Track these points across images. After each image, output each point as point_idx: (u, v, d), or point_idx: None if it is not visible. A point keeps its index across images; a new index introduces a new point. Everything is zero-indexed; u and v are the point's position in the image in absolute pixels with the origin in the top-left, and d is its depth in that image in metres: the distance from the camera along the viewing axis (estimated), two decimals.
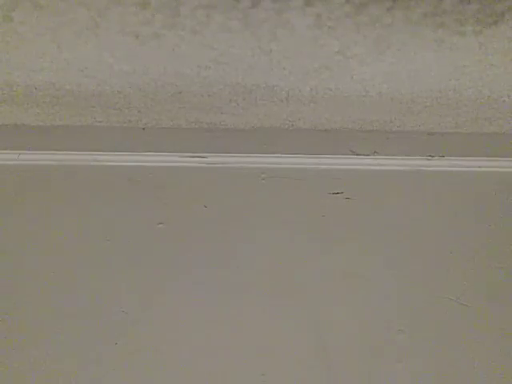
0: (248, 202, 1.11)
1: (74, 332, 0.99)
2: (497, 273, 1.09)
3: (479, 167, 1.08)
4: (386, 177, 1.10)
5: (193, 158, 1.11)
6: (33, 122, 1.01)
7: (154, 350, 1.03)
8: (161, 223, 1.09)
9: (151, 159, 1.10)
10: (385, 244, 1.08)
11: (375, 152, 1.08)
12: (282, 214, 1.11)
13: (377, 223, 1.09)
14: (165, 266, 1.05)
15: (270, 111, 0.92)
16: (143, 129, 1.09)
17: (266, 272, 1.09)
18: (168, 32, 0.47)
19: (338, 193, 1.10)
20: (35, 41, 0.50)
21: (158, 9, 0.40)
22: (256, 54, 0.57)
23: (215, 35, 0.49)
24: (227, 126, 1.06)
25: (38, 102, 0.84)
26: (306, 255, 1.10)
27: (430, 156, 1.09)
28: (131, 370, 0.98)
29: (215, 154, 1.12)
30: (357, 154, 1.08)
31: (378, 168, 1.10)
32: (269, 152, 1.10)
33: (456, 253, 1.09)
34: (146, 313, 1.03)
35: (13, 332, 1.01)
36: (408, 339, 1.08)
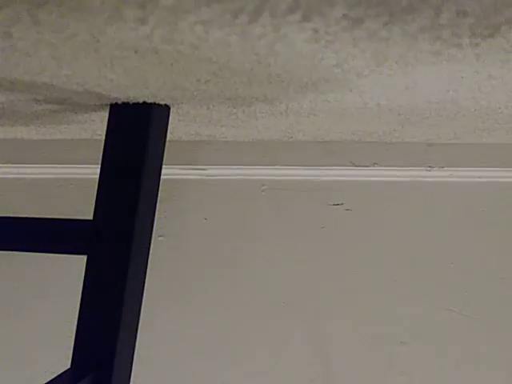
0: (248, 213, 1.11)
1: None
2: (498, 283, 1.08)
3: (479, 177, 1.09)
4: (386, 188, 1.10)
5: (193, 170, 1.12)
6: (34, 136, 1.01)
7: (154, 364, 1.02)
8: (161, 236, 1.09)
9: None
10: (385, 255, 1.08)
11: (375, 163, 1.08)
12: (282, 225, 1.11)
13: (377, 234, 1.09)
14: (165, 278, 1.05)
15: (269, 123, 0.92)
16: None
17: (266, 283, 1.09)
18: (167, 47, 0.48)
19: (338, 204, 1.10)
20: (35, 57, 0.51)
21: (157, 24, 0.40)
22: (255, 68, 0.58)
23: (214, 50, 0.49)
24: (227, 139, 1.06)
25: (38, 117, 0.84)
26: (305, 266, 1.10)
27: (429, 167, 1.09)
28: None
29: (215, 166, 1.12)
30: (356, 166, 1.09)
31: (377, 179, 1.10)
32: (269, 164, 1.10)
33: (457, 264, 1.09)
34: (146, 325, 1.03)
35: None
36: (410, 351, 1.08)
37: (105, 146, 0.76)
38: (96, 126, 0.93)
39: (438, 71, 0.57)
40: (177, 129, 0.99)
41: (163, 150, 0.80)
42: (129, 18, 0.40)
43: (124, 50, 0.50)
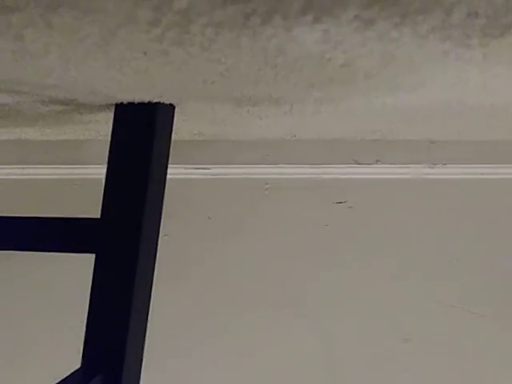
0: (252, 212, 1.11)
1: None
2: (502, 280, 1.09)
3: (481, 174, 1.09)
4: (389, 185, 1.10)
5: (196, 169, 1.12)
6: (38, 137, 1.01)
7: (160, 362, 1.03)
8: (166, 235, 1.09)
9: None
10: (389, 252, 1.08)
11: (377, 161, 1.09)
12: (286, 223, 1.11)
13: (381, 232, 1.09)
14: (169, 277, 1.05)
15: (273, 123, 0.92)
16: None
17: (269, 283, 1.10)
18: (177, 49, 0.48)
19: (341, 202, 1.11)
20: (44, 59, 0.51)
21: (169, 26, 0.41)
22: (262, 69, 0.58)
23: (223, 51, 0.49)
24: (230, 138, 1.06)
25: (43, 117, 0.84)
26: (309, 265, 1.11)
27: (432, 164, 1.09)
28: None
29: (218, 165, 1.12)
30: (359, 163, 1.09)
31: (380, 177, 1.11)
32: (272, 163, 1.10)
33: (461, 260, 1.09)
34: (150, 324, 1.03)
35: (22, 331, 1.01)
36: (414, 348, 1.08)
37: (111, 145, 0.77)
38: (100, 127, 0.93)
39: (445, 70, 0.57)
40: (180, 128, 0.99)
41: (168, 149, 0.81)
42: (142, 21, 0.40)
43: (133, 52, 0.50)
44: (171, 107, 0.80)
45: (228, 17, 0.40)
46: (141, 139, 0.75)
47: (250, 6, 0.37)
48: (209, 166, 1.10)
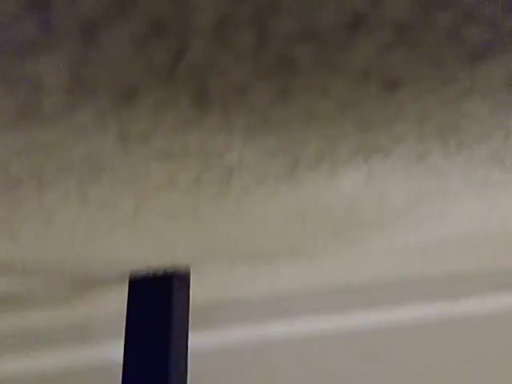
0: (271, 375, 1.03)
1: None
2: None
3: (508, 306, 1.04)
4: (410, 327, 1.04)
5: (207, 337, 1.05)
6: (41, 323, 0.95)
7: None
8: None
9: None
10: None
11: (395, 302, 1.04)
12: (303, 376, 1.03)
13: (401, 379, 1.02)
14: None
15: (289, 275, 0.88)
16: None
17: None
18: (210, 210, 0.45)
19: (358, 349, 1.04)
20: (69, 235, 0.47)
21: (209, 184, 0.38)
22: (290, 220, 0.55)
23: (255, 206, 0.47)
24: (240, 298, 1.01)
25: (50, 299, 0.79)
26: None
27: (454, 299, 1.04)
28: None
29: (229, 329, 1.06)
30: (375, 307, 1.04)
31: (398, 318, 1.05)
32: (284, 317, 1.05)
33: None
34: None
35: None
36: None
37: (126, 326, 0.71)
38: (111, 304, 0.88)
39: (478, 197, 0.56)
40: (193, 295, 0.94)
41: (187, 322, 0.75)
42: (182, 182, 0.38)
43: (161, 217, 0.48)
44: (187, 276, 0.76)
45: (274, 168, 0.37)
46: (158, 316, 0.70)
47: (301, 152, 0.35)
48: (219, 330, 1.03)
